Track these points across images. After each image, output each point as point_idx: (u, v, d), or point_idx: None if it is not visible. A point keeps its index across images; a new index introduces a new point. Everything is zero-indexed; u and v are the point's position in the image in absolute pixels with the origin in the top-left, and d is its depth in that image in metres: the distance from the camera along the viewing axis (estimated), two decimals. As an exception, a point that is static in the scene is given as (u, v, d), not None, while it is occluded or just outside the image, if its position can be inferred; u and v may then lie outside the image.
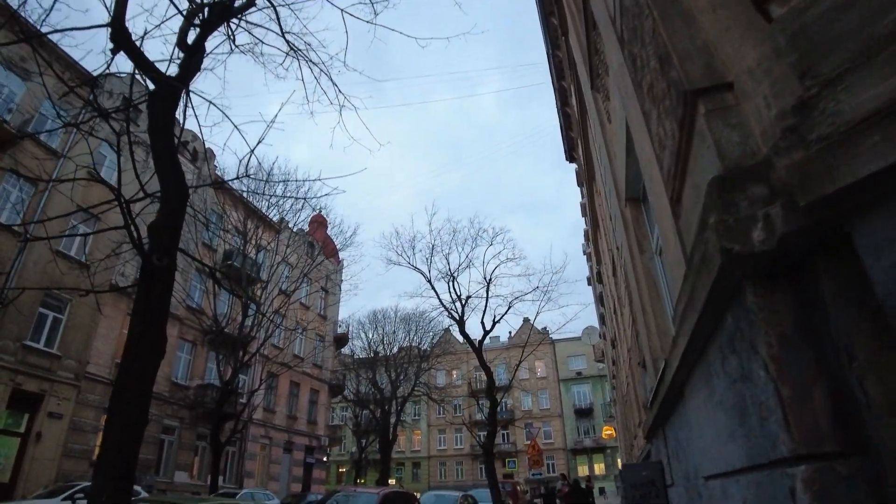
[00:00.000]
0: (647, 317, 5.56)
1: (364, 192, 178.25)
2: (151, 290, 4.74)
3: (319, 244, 34.90)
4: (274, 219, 27.02)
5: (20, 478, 19.72)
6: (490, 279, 21.06)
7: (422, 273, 22.26)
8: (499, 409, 62.55)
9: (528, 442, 24.76)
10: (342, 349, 45.60)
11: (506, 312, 21.17)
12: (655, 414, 5.09)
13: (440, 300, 21.95)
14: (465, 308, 21.27)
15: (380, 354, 46.27)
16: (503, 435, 62.51)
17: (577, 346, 54.48)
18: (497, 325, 21.07)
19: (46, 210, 21.26)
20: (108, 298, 23.60)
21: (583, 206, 29.62)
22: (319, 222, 36.02)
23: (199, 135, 8.12)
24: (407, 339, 47.63)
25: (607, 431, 33.31)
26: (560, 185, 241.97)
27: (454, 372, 63.56)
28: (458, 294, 21.49)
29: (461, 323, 21.11)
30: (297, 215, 26.24)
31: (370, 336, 47.36)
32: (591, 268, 35.13)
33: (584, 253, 37.26)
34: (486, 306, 20.89)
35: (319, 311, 38.73)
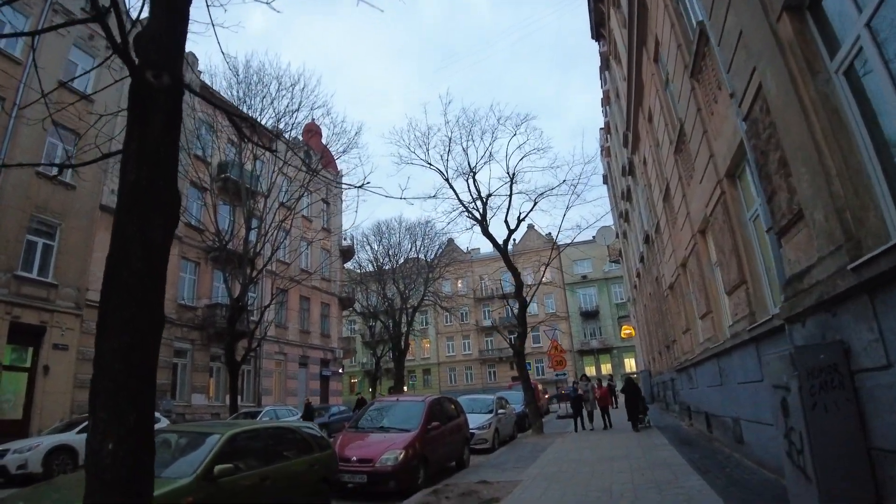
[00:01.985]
0: (823, 158, 4.09)
1: (356, 107, 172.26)
2: (149, 122, 3.11)
3: (317, 154, 33.01)
4: (268, 125, 24.95)
5: (33, 413, 18.93)
6: (514, 174, 19.29)
7: (438, 171, 20.42)
8: (505, 314, 63.66)
9: (549, 343, 23.84)
10: (349, 262, 44.66)
11: (531, 210, 19.50)
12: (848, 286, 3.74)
13: (459, 199, 20.14)
14: (487, 207, 19.60)
15: (386, 267, 45.57)
16: (511, 339, 63.33)
17: (583, 251, 53.48)
18: (522, 222, 19.42)
19: (19, 129, 19.31)
20: (102, 221, 22.04)
21: (606, 94, 27.60)
22: (313, 131, 34.00)
23: None
24: (413, 249, 46.86)
25: (626, 331, 32.69)
26: (560, 89, 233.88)
27: (459, 281, 63.20)
28: (479, 192, 19.80)
29: (483, 223, 19.51)
30: (294, 116, 24.17)
31: (376, 248, 46.62)
32: (607, 164, 33.52)
33: (602, 148, 35.42)
34: (509, 204, 19.34)
35: (323, 224, 37.30)
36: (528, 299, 19.60)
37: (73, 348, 20.35)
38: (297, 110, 24.09)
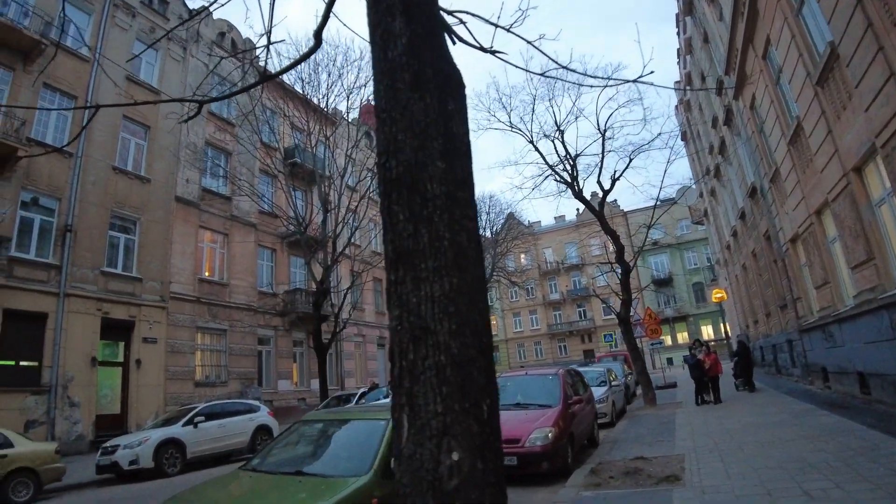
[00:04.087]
0: None
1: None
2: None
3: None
4: (338, 101, 24.38)
5: (130, 406, 19.05)
6: (605, 129, 17.84)
7: (521, 132, 19.14)
8: (573, 286, 62.28)
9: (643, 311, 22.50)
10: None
11: (626, 168, 18.09)
12: None
13: (545, 161, 18.78)
14: (576, 168, 18.21)
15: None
16: (580, 312, 62.15)
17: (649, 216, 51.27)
18: (616, 182, 17.91)
19: (93, 125, 19.19)
20: (180, 211, 21.96)
21: (687, 42, 25.73)
22: (371, 111, 33.29)
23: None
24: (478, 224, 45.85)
25: (717, 294, 30.89)
26: (607, 51, 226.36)
27: (522, 256, 61.80)
28: (567, 152, 18.44)
29: (574, 185, 18.21)
30: (362, 91, 23.41)
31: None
32: (687, 121, 31.60)
33: (679, 102, 33.41)
34: (601, 163, 17.76)
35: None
36: (631, 263, 18.34)
37: (161, 341, 20.34)
38: (365, 85, 23.26)
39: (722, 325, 41.05)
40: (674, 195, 29.80)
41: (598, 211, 18.19)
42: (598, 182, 18.28)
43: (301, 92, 23.07)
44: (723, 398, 15.44)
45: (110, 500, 10.32)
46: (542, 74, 3.41)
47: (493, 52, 3.32)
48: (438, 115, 2.19)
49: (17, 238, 16.90)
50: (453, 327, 1.99)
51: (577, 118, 23.42)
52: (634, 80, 4.60)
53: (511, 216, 48.29)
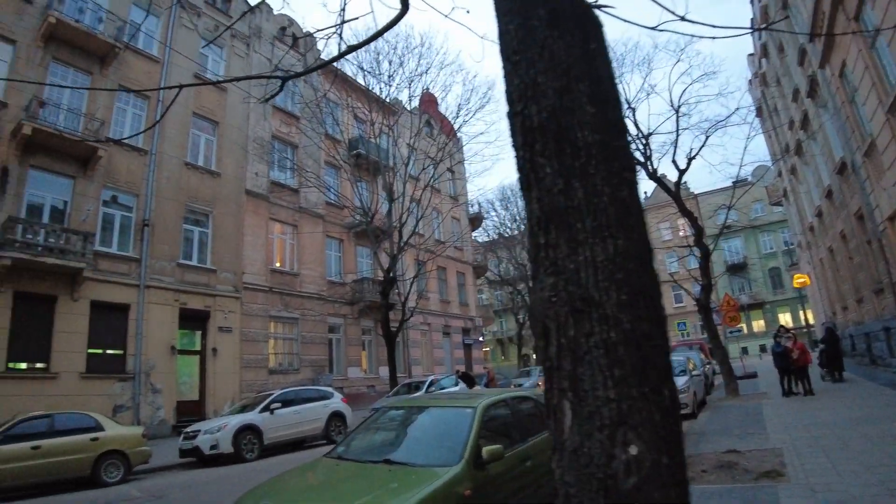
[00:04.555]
0: None
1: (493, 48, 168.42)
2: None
3: (437, 123, 32.24)
4: (400, 90, 24.37)
5: (207, 393, 19.76)
6: (679, 106, 17.03)
7: None
8: None
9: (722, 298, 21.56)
10: (477, 230, 43.83)
11: (703, 145, 17.21)
12: None
13: None
14: (649, 148, 17.41)
15: (511, 233, 44.40)
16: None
17: (726, 197, 49.02)
18: (692, 161, 17.06)
19: (165, 122, 19.83)
20: (250, 204, 22.55)
21: (763, 10, 24.33)
22: (430, 100, 33.14)
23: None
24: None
25: (799, 279, 29.22)
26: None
27: None
28: (639, 130, 17.75)
29: (647, 165, 17.47)
30: (423, 78, 23.35)
31: (502, 214, 45.44)
32: (763, 96, 30.02)
33: (754, 76, 31.75)
34: (675, 141, 16.98)
35: (450, 193, 36.65)
36: (710, 247, 17.51)
37: (236, 330, 20.98)
38: (426, 72, 23.19)
39: (802, 312, 38.90)
40: (749, 175, 28.39)
41: (674, 192, 17.41)
42: (673, 161, 17.53)
43: (363, 81, 23.15)
44: (805, 389, 14.61)
45: (195, 482, 10.65)
46: (654, 28, 3.09)
47: (598, 7, 2.97)
48: (582, 55, 1.91)
49: (101, 233, 17.75)
50: (623, 297, 1.69)
51: (648, 95, 22.31)
52: (766, 28, 4.19)
53: None
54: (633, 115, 17.76)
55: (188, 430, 13.27)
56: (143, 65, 19.95)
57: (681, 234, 54.91)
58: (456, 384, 20.39)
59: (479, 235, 46.15)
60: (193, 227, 20.70)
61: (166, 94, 19.84)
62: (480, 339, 40.35)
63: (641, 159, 17.63)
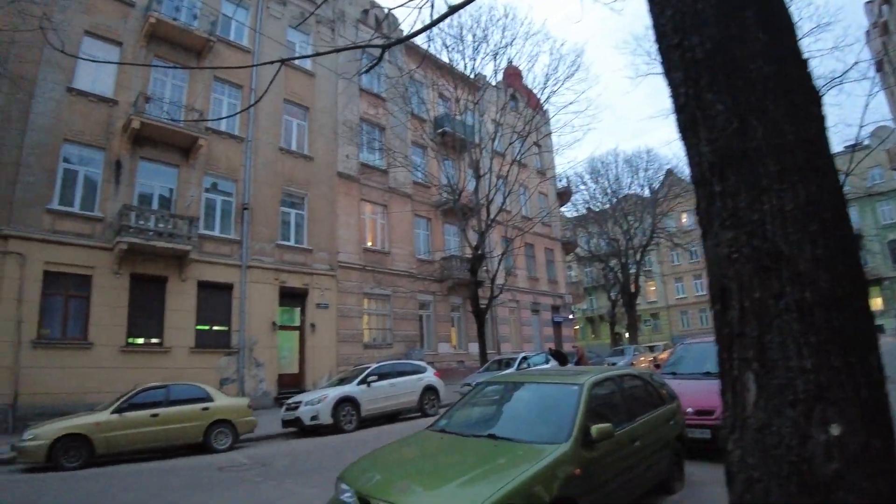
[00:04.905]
0: None
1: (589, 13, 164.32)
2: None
3: (523, 96, 31.71)
4: (484, 63, 24.24)
5: (306, 367, 20.72)
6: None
7: None
8: None
9: None
10: (565, 205, 42.83)
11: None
12: None
13: None
14: None
15: (600, 207, 43.12)
16: None
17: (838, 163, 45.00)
18: None
19: (258, 112, 20.69)
20: (342, 186, 23.25)
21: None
22: (514, 74, 32.60)
23: None
24: (635, 182, 43.24)
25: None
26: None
27: (684, 215, 55.96)
28: None
29: None
30: (508, 50, 23.02)
31: (592, 188, 44.09)
32: (884, 47, 27.57)
33: (873, 26, 29.19)
34: None
35: (537, 167, 36.03)
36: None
37: (332, 307, 21.78)
38: (511, 43, 22.86)
39: None
40: (868, 139, 26.18)
41: None
42: None
43: (447, 58, 23.12)
44: None
45: (297, 451, 11.19)
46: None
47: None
48: None
49: (204, 218, 18.87)
50: (818, 252, 1.48)
51: None
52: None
53: (670, 172, 44.83)
54: None
55: (290, 401, 13.91)
56: (235, 56, 20.81)
57: None
58: (546, 361, 20.26)
59: (568, 210, 45.12)
60: (290, 210, 21.58)
61: (259, 83, 20.70)
62: (570, 316, 39.72)
63: None
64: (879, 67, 26.76)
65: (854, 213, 51.19)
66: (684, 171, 45.59)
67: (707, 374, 8.82)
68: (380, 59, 3.84)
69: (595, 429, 4.56)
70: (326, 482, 7.37)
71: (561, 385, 5.45)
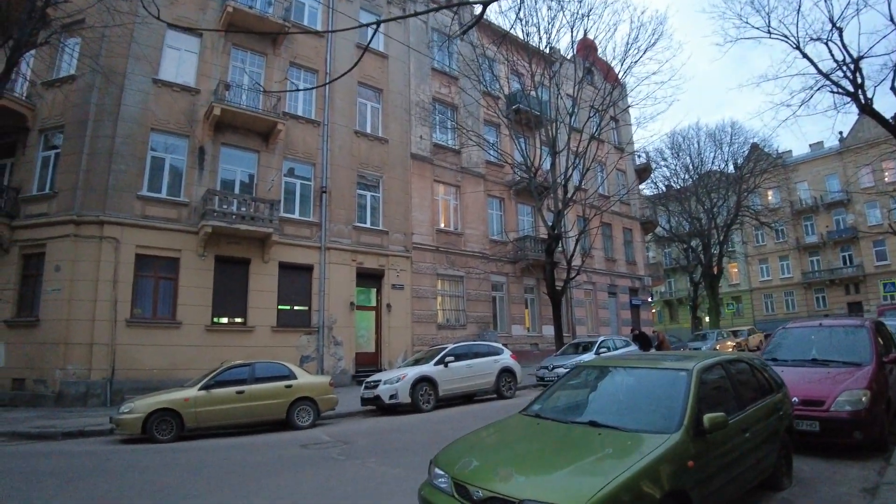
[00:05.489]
0: None
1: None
2: None
3: (600, 71, 30.58)
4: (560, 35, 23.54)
5: (382, 346, 21.05)
6: None
7: (782, 37, 16.17)
8: (835, 226, 51.92)
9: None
10: (645, 182, 41.26)
11: None
12: None
13: (818, 68, 15.68)
14: (858, 75, 14.79)
15: (685, 183, 41.41)
16: (844, 257, 51.20)
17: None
18: None
19: (333, 95, 20.92)
20: (415, 167, 23.30)
21: None
22: (590, 46, 31.52)
23: None
24: (719, 157, 41.25)
25: None
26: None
27: (769, 193, 52.28)
28: (848, 54, 15.05)
29: (860, 95, 14.88)
30: (585, 20, 22.25)
31: (673, 164, 42.40)
32: None
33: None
34: None
35: (615, 143, 34.75)
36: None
37: (407, 287, 21.97)
38: (589, 14, 22.11)
39: None
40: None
41: (895, 125, 14.73)
42: (893, 88, 14.72)
43: (521, 32, 22.54)
44: None
45: (377, 430, 11.29)
46: None
47: None
48: None
49: (284, 201, 19.32)
50: None
51: (858, 11, 18.64)
52: None
53: (756, 147, 42.16)
54: (840, 35, 15.30)
55: (369, 380, 14.05)
56: (309, 40, 21.06)
57: (885, 178, 46.94)
58: (627, 345, 19.67)
59: (647, 188, 43.50)
60: (366, 192, 21.82)
61: (333, 67, 20.90)
62: (649, 299, 38.46)
63: (851, 89, 15.15)
64: None
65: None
66: (771, 144, 43.26)
67: (815, 362, 8.21)
68: (480, 16, 3.61)
69: (707, 418, 4.25)
70: (411, 463, 7.40)
71: (667, 370, 5.10)
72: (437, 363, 14.12)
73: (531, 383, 17.80)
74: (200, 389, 10.88)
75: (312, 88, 19.88)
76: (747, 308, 56.85)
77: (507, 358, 16.03)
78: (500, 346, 16.84)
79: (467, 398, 15.08)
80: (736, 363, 5.79)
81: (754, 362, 6.20)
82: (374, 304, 21.38)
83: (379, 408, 13.47)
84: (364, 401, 13.72)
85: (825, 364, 8.03)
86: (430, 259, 23.10)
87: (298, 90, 19.42)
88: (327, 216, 20.02)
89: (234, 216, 16.89)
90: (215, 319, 17.17)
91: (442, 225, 24.35)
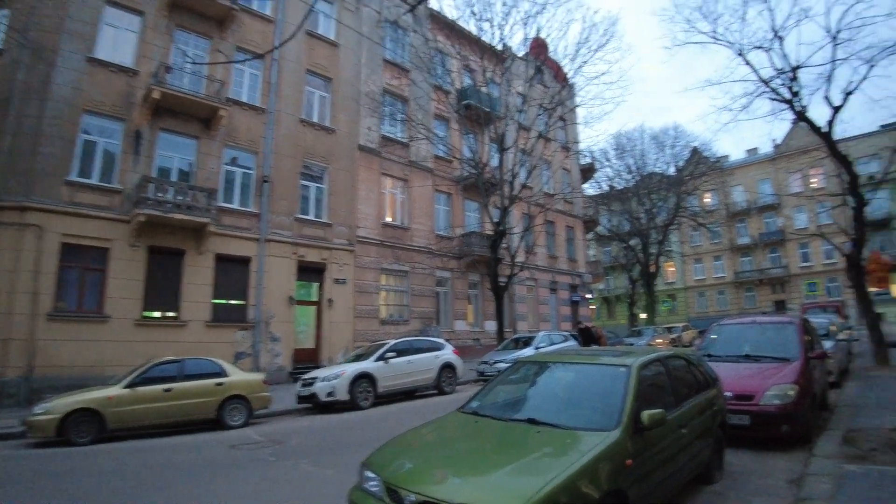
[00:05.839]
0: None
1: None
2: None
3: (550, 70, 30.89)
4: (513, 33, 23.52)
5: (322, 342, 20.68)
6: (837, 32, 14.84)
7: (727, 43, 16.54)
8: (766, 229, 54.80)
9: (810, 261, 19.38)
10: (588, 182, 42.18)
11: (865, 77, 14.90)
12: None
13: (758, 75, 16.15)
14: (795, 84, 15.34)
15: (627, 184, 42.48)
16: (772, 258, 54.72)
17: (871, 144, 43.79)
18: (851, 95, 14.87)
19: (280, 82, 20.44)
20: (363, 159, 22.96)
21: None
22: (541, 46, 31.82)
23: None
24: (660, 160, 42.63)
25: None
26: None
27: (706, 196, 55.29)
28: (786, 62, 15.71)
29: (794, 103, 15.50)
30: (538, 18, 22.42)
31: (616, 164, 43.50)
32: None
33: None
34: (831, 73, 14.88)
35: (561, 143, 35.24)
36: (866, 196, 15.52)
37: (349, 282, 21.68)
38: (542, 10, 22.25)
39: None
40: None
41: (826, 133, 15.44)
42: (826, 98, 15.55)
43: (475, 28, 22.51)
44: None
45: (313, 428, 11.10)
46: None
47: None
48: None
49: (224, 190, 18.72)
50: None
51: (798, 22, 19.08)
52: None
53: (696, 151, 43.99)
54: (780, 45, 15.94)
55: (306, 377, 13.81)
56: (258, 25, 20.45)
57: (812, 184, 49.66)
58: (565, 340, 20.01)
59: (590, 188, 44.47)
60: (310, 183, 21.34)
61: (281, 54, 20.37)
62: (588, 296, 39.25)
63: (788, 96, 15.76)
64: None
65: (885, 197, 49.63)
66: (711, 148, 45.18)
67: (747, 357, 8.56)
68: None
69: (646, 415, 4.24)
70: (344, 463, 7.24)
71: (607, 366, 5.11)
72: (377, 359, 14.02)
73: (473, 378, 17.95)
74: (125, 388, 10.44)
75: (253, 58, 19.20)
76: (682, 305, 59.56)
77: (448, 353, 16.09)
78: (442, 341, 16.86)
79: (408, 394, 15.05)
80: (674, 359, 5.85)
81: (690, 358, 6.31)
82: (315, 298, 20.95)
83: (316, 406, 13.23)
84: (300, 398, 13.46)
85: (757, 359, 8.41)
86: (375, 253, 22.87)
87: (237, 62, 18.80)
88: (268, 207, 19.48)
89: (169, 205, 16.19)
90: (146, 313, 16.43)
91: (388, 219, 24.12)
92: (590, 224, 39.74)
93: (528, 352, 17.87)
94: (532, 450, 3.94)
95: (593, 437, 3.96)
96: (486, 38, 22.72)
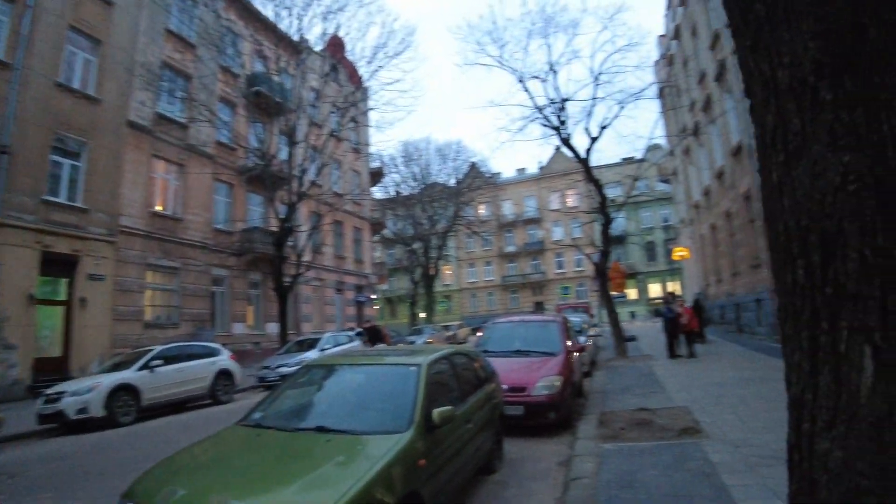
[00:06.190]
0: None
1: None
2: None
3: (345, 70, 30.60)
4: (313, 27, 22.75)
5: (73, 349, 17.76)
6: (599, 74, 17.29)
7: (511, 69, 18.28)
8: (529, 239, 63.47)
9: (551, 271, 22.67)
10: (376, 185, 43.33)
11: (616, 116, 17.59)
12: None
13: (534, 102, 18.20)
14: (565, 113, 17.63)
15: (412, 191, 44.54)
16: (533, 265, 64.70)
17: (616, 173, 51.79)
18: (605, 129, 17.68)
19: (34, 35, 17.17)
20: (132, 137, 20.19)
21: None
22: (338, 45, 31.41)
23: None
24: (443, 171, 46.06)
25: (679, 253, 31.34)
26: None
27: (481, 207, 62.49)
28: (559, 95, 17.59)
29: (561, 131, 17.64)
30: (339, 15, 21.95)
31: (403, 171, 45.65)
32: (667, 77, 30.95)
33: (662, 57, 32.49)
34: (591, 108, 17.24)
35: (352, 144, 34.97)
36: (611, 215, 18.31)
37: (109, 278, 18.90)
38: (344, 8, 21.82)
39: (670, 283, 43.63)
40: (649, 150, 29.63)
41: (584, 159, 17.87)
42: (586, 129, 18.08)
43: (272, 13, 21.34)
44: (688, 352, 15.64)
45: (60, 454, 9.27)
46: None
47: None
48: None
49: (-57, 158, 15.08)
50: None
51: (569, 60, 22.20)
52: None
53: (474, 166, 48.35)
54: (555, 77, 17.84)
55: (50, 391, 11.62)
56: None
57: (568, 202, 58.86)
58: (351, 341, 19.82)
59: (378, 192, 45.99)
60: (63, 159, 18.09)
61: (38, 2, 17.17)
62: (373, 296, 39.93)
63: (556, 124, 17.73)
64: (661, 95, 30.20)
65: (622, 216, 58.83)
66: (487, 165, 50.54)
67: (518, 352, 9.43)
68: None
69: (437, 413, 4.27)
70: (101, 493, 6.12)
71: (397, 366, 5.11)
72: (140, 368, 12.39)
73: (252, 384, 16.96)
74: None
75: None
76: (457, 305, 65.88)
77: (224, 359, 15.00)
78: (217, 346, 15.69)
79: (179, 406, 13.58)
80: (458, 356, 6.13)
81: (471, 354, 6.71)
82: (64, 297, 17.85)
83: (64, 425, 11.21)
84: (43, 418, 11.25)
85: (527, 354, 9.33)
86: (141, 246, 20.26)
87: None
88: (5, 184, 16.06)
89: None
90: None
91: (158, 207, 21.57)
92: (377, 227, 40.70)
93: (312, 354, 17.30)
94: (322, 461, 3.69)
95: (386, 441, 3.86)
96: (283, 27, 21.58)
